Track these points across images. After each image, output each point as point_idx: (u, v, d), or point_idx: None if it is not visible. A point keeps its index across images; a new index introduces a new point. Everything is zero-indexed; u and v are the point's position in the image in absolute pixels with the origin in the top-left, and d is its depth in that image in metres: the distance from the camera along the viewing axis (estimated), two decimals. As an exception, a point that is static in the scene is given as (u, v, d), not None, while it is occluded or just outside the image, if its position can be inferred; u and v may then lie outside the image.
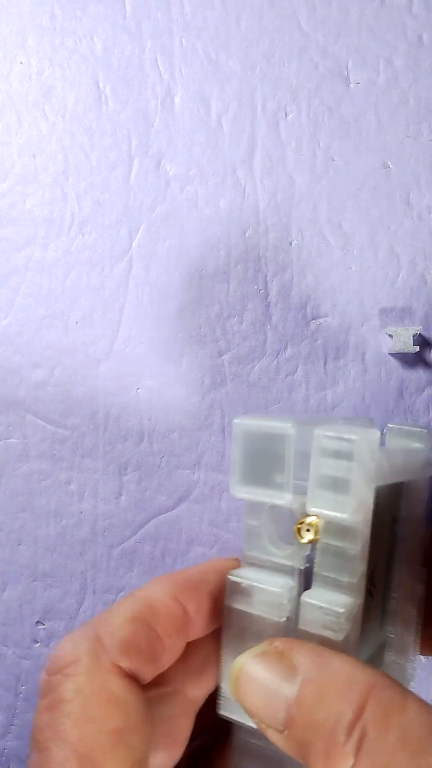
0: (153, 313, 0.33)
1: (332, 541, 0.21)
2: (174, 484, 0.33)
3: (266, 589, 0.21)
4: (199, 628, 0.22)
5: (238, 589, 0.22)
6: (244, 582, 0.22)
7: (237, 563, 0.24)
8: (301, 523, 0.21)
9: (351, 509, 0.20)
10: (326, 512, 0.20)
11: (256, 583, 0.21)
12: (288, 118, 0.33)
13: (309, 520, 0.21)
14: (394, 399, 0.33)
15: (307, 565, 0.22)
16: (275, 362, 0.33)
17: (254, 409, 0.33)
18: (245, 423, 0.22)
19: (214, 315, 0.33)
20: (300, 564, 0.22)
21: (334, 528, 0.21)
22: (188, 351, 0.33)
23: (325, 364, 0.33)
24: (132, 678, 0.18)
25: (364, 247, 0.33)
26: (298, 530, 0.21)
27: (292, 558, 0.22)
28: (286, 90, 0.33)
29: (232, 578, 0.22)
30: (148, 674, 0.19)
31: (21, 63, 0.33)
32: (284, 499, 0.21)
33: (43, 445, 0.33)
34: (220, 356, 0.33)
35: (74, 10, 0.33)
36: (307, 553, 0.22)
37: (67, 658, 0.18)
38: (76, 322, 0.33)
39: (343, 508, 0.20)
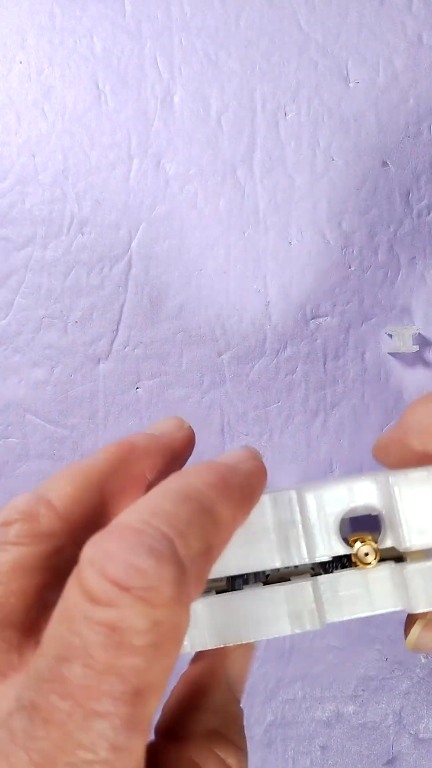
0: (153, 312, 0.33)
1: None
2: (173, 484, 0.33)
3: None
4: None
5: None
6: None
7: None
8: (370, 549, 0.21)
9: None
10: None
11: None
12: (288, 118, 0.33)
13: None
14: (394, 398, 0.33)
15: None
16: (274, 362, 0.33)
17: (253, 409, 0.33)
18: None
19: (213, 314, 0.33)
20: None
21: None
22: (188, 350, 0.33)
23: (324, 364, 0.33)
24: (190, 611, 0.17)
25: (364, 246, 0.33)
26: (359, 544, 0.21)
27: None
28: (285, 89, 0.33)
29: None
30: None
31: (20, 62, 0.33)
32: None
33: (42, 445, 0.33)
34: (220, 356, 0.33)
35: (74, 10, 0.33)
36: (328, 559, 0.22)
37: (144, 579, 0.15)
38: (76, 322, 0.33)
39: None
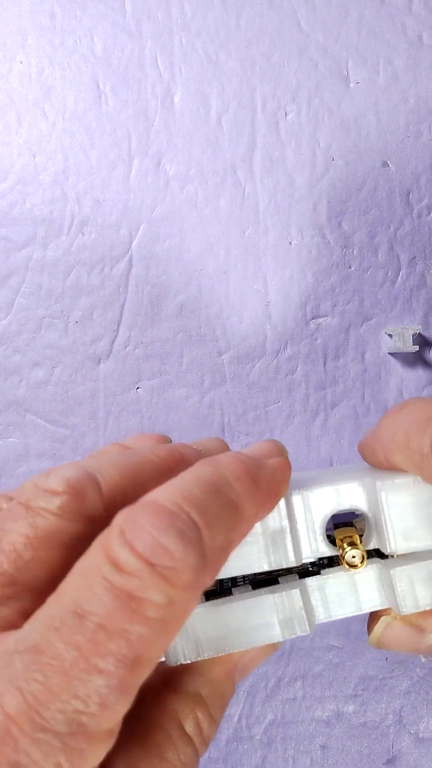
0: (153, 313, 0.33)
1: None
2: (174, 484, 0.33)
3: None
4: None
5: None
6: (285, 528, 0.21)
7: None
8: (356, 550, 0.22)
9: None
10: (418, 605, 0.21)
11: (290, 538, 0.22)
12: (288, 118, 0.33)
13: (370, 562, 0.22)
14: (394, 398, 0.33)
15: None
16: (275, 362, 0.33)
17: (253, 409, 0.33)
18: None
19: (213, 314, 0.33)
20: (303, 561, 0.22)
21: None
22: (188, 350, 0.33)
23: (324, 364, 0.33)
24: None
25: (364, 246, 0.33)
26: (346, 543, 0.22)
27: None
28: (286, 89, 0.33)
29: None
30: None
31: (21, 62, 0.33)
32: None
33: (43, 445, 0.33)
34: (220, 356, 0.33)
35: (74, 10, 0.33)
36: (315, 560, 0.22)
37: (170, 560, 0.16)
38: (76, 322, 0.33)
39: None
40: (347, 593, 0.22)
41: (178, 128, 0.33)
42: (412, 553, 0.22)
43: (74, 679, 0.15)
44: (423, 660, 0.33)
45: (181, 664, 0.21)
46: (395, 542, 0.21)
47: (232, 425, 0.33)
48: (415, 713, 0.33)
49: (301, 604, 0.21)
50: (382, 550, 0.21)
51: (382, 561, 0.22)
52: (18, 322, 0.33)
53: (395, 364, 0.33)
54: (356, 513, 0.22)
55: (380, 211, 0.33)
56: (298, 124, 0.33)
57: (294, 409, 0.33)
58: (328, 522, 0.23)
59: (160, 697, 0.20)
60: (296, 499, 0.22)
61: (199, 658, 0.21)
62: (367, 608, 0.22)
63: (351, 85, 0.33)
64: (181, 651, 0.21)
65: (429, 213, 0.33)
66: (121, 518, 0.17)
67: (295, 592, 0.21)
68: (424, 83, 0.33)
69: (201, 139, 0.33)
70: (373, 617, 0.24)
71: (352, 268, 0.33)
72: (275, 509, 0.21)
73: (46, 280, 0.33)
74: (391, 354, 0.33)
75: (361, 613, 0.22)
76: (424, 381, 0.33)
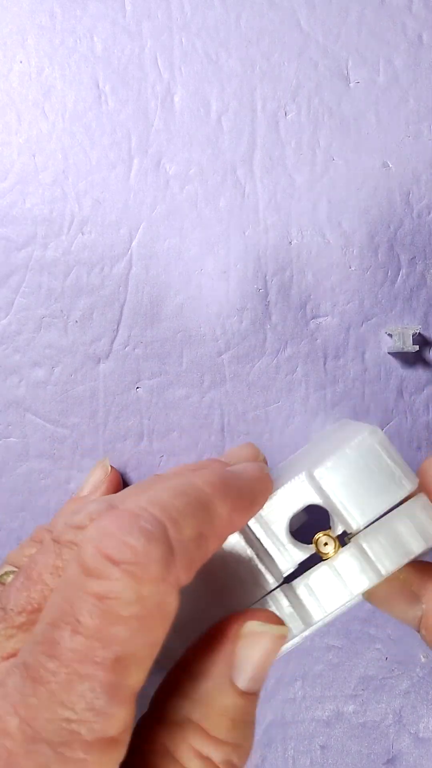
0: (153, 312, 0.33)
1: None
2: (174, 484, 0.33)
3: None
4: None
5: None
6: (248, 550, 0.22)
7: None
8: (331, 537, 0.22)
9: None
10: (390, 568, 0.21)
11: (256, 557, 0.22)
12: (288, 118, 0.33)
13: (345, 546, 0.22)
14: (394, 398, 0.33)
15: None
16: (275, 361, 0.33)
17: (253, 409, 0.33)
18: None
19: (213, 314, 0.33)
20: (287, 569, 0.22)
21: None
22: (188, 350, 0.33)
23: (324, 364, 0.33)
24: (178, 594, 0.17)
25: (364, 246, 0.33)
26: (318, 541, 0.22)
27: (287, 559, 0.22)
28: (285, 89, 0.33)
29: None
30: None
31: (21, 62, 0.33)
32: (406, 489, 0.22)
33: (42, 445, 0.33)
34: (220, 355, 0.33)
35: (74, 9, 0.33)
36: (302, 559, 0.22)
37: (133, 555, 0.16)
38: (76, 322, 0.33)
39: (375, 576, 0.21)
40: (334, 583, 0.22)
41: (178, 128, 0.33)
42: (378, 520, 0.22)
43: (58, 688, 0.15)
44: (423, 660, 0.33)
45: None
46: (356, 518, 0.21)
47: (231, 425, 0.33)
48: (415, 713, 0.33)
49: (288, 602, 0.21)
50: (348, 531, 0.22)
51: (355, 542, 0.22)
52: (18, 321, 0.33)
53: (395, 364, 0.33)
54: (315, 506, 0.22)
55: (380, 211, 0.33)
56: (298, 124, 0.33)
57: (294, 409, 0.33)
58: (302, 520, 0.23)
59: (148, 735, 0.19)
60: (253, 525, 0.22)
61: None
62: (358, 589, 0.22)
63: (351, 85, 0.33)
64: None
65: (429, 213, 0.33)
66: (90, 528, 0.17)
67: (278, 593, 0.21)
68: (424, 83, 0.33)
69: (201, 139, 0.33)
70: None
71: (352, 268, 0.33)
72: (237, 548, 0.21)
73: (46, 280, 0.33)
74: (391, 354, 0.33)
75: (353, 598, 0.22)
76: (424, 381, 0.33)
